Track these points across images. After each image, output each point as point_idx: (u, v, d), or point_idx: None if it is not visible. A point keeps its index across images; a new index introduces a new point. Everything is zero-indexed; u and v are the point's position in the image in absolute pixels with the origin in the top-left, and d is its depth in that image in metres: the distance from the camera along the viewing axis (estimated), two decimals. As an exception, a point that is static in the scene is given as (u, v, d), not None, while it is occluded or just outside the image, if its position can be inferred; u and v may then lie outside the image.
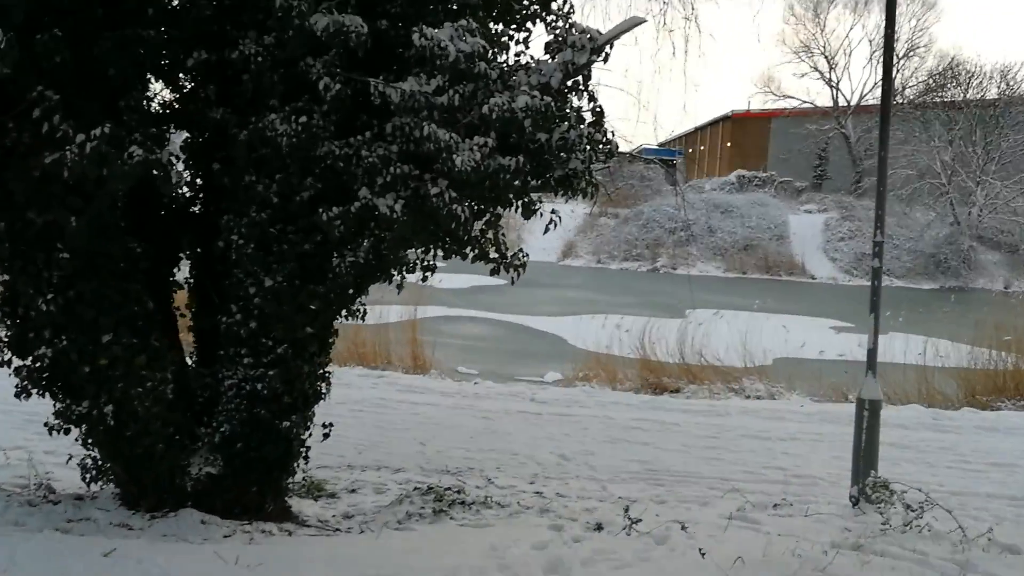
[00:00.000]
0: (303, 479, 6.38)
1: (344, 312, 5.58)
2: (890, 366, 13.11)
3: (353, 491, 6.61)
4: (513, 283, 5.94)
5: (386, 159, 4.80)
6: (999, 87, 34.35)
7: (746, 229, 34.56)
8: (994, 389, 13.24)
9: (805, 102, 46.50)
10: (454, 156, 4.56)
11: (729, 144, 49.61)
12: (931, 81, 37.57)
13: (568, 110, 5.23)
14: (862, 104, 44.60)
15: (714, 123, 53.93)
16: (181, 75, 5.42)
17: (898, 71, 42.55)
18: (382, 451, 7.70)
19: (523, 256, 5.82)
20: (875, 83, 54.12)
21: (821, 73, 47.17)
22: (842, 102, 45.77)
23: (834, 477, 7.63)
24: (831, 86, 46.93)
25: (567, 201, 5.72)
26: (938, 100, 35.27)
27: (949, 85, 35.15)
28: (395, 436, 8.19)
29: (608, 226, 35.32)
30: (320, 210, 4.87)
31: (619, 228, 34.88)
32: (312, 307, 5.23)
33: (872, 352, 6.49)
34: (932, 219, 33.95)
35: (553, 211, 5.61)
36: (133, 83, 4.82)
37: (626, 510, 5.18)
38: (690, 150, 57.74)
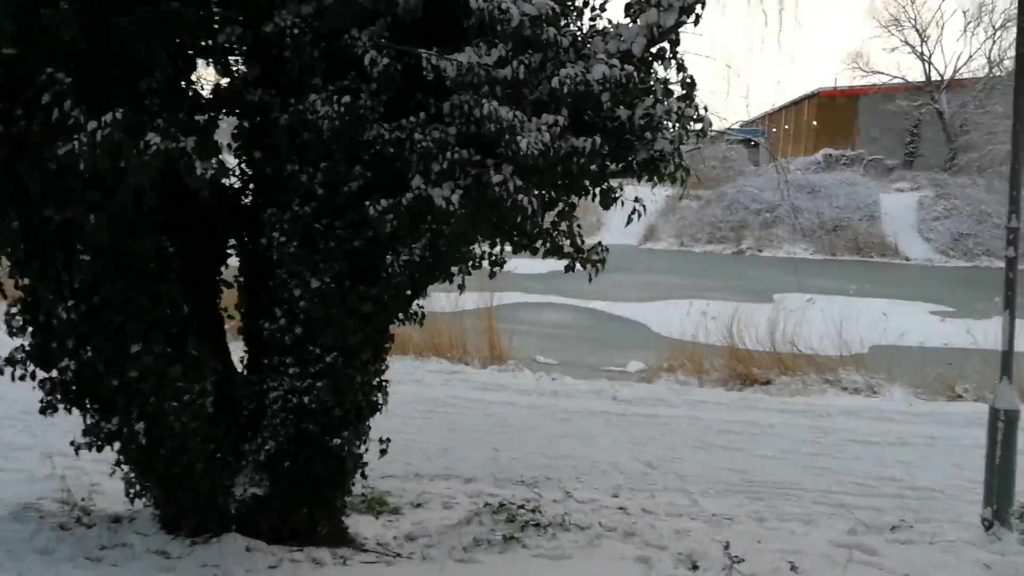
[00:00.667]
0: (363, 493, 5.77)
1: (400, 316, 4.92)
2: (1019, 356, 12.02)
3: (419, 505, 5.97)
4: (591, 280, 5.17)
5: (442, 143, 4.10)
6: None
7: (834, 209, 32.97)
8: None
9: (895, 77, 44.25)
10: (518, 138, 3.83)
11: (815, 123, 47.70)
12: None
13: (653, 82, 4.43)
14: (956, 78, 42.27)
15: (799, 102, 51.95)
16: (218, 55, 4.78)
17: (994, 42, 40.22)
18: (452, 457, 7.05)
19: (602, 250, 5.05)
20: (970, 56, 51.34)
21: (912, 47, 44.81)
22: (935, 76, 43.44)
23: (954, 490, 6.72)
24: (923, 60, 44.58)
25: (653, 187, 4.89)
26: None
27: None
28: (467, 440, 7.53)
29: (691, 208, 34.09)
30: (368, 203, 4.20)
31: (702, 210, 33.64)
32: (364, 311, 4.57)
33: (1007, 356, 5.57)
34: (1034, 196, 31.89)
35: (637, 199, 4.82)
36: (156, 63, 4.19)
37: (726, 547, 4.40)
38: (774, 129, 55.86)
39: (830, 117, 46.13)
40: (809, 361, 12.56)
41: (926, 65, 44.49)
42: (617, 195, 4.69)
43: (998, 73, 37.94)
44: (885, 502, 6.42)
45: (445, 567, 4.55)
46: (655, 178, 4.48)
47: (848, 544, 5.12)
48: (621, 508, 6.07)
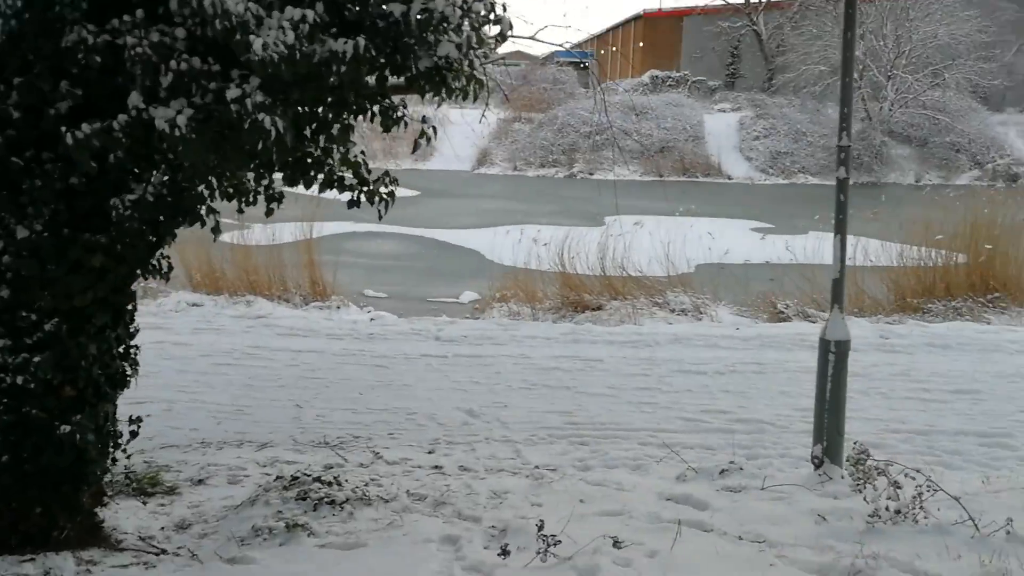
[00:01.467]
0: (129, 472, 4.81)
1: (140, 271, 3.94)
2: (819, 268, 12.02)
3: (200, 482, 5.06)
4: (380, 218, 4.32)
5: (164, 49, 3.13)
6: (909, -22, 33.02)
7: (662, 131, 33.09)
8: (923, 291, 12.22)
9: (717, -1, 44.58)
10: (251, 38, 2.90)
11: (642, 44, 47.70)
12: (842, -26, 35.90)
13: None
14: (773, 0, 42.94)
15: (626, 23, 51.84)
16: None
17: (808, -35, 40.87)
18: (248, 419, 6.13)
19: (390, 182, 4.18)
20: (785, -22, 52.38)
21: (732, -31, 45.21)
22: (753, -1, 43.98)
23: (783, 420, 6.35)
24: (742, -18, 45.07)
25: (438, 105, 3.99)
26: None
27: (860, -22, 33.59)
28: (267, 397, 6.60)
29: (523, 132, 33.46)
30: (65, 128, 3.19)
31: (534, 134, 33.06)
32: (92, 264, 3.59)
33: (838, 284, 5.09)
34: (844, 115, 32.82)
35: (424, 119, 3.96)
36: None
37: (539, 527, 3.73)
38: (602, 51, 55.69)
39: (656, 38, 46.20)
40: (638, 284, 12.21)
41: (745, -13, 45.00)
42: (400, 115, 3.81)
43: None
44: (715, 439, 5.97)
45: (209, 569, 3.70)
46: (443, 93, 3.60)
47: (677, 497, 4.57)
48: (436, 467, 5.35)
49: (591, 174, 30.95)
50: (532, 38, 7.24)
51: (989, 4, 33.77)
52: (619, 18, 51.81)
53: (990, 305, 11.63)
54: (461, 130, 33.86)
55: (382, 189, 4.13)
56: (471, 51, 3.43)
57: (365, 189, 4.07)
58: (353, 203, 4.15)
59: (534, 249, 13.25)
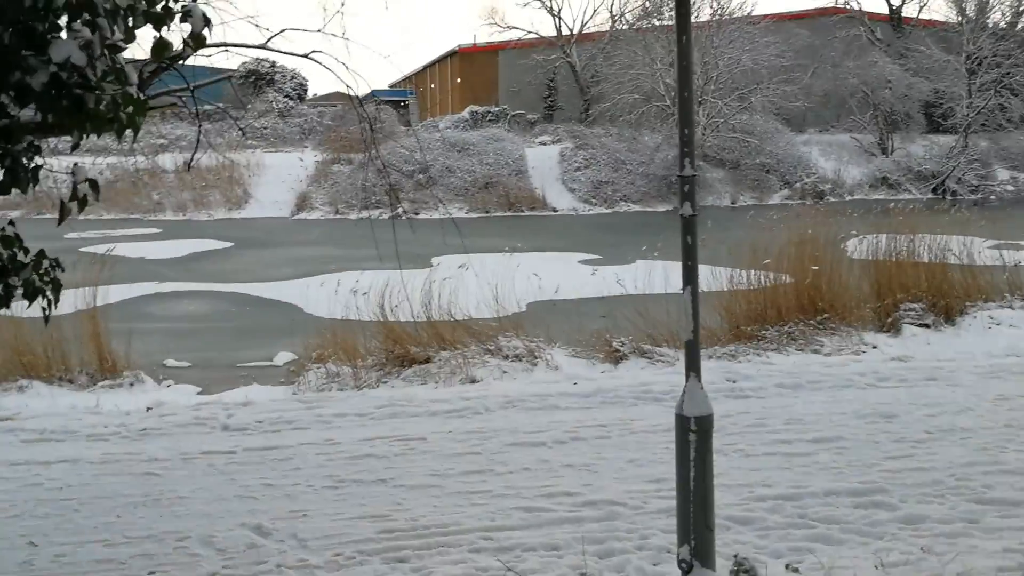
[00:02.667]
0: None
1: None
2: (650, 299, 11.39)
3: None
4: (46, 322, 3.01)
5: None
6: (712, 7, 33.87)
7: (485, 167, 32.44)
8: (756, 316, 11.75)
9: (530, 32, 44.67)
10: None
11: (459, 80, 47.23)
12: (648, 4, 36.56)
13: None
14: (584, 32, 43.40)
15: (442, 59, 51.34)
16: None
17: (614, -2, 41.63)
18: (-42, 572, 4.62)
19: (52, 268, 2.89)
20: (594, 10, 53.74)
21: (543, 2, 45.54)
22: (565, 31, 44.32)
23: (636, 498, 5.37)
24: (553, 15, 45.40)
25: (78, 143, 2.74)
26: (657, 24, 34.34)
27: (665, 8, 34.22)
28: None
29: (343, 173, 32.04)
30: None
31: (355, 175, 31.66)
32: None
33: (693, 346, 4.12)
34: (660, 142, 33.23)
35: (76, 170, 2.70)
36: None
37: None
38: (421, 89, 55.00)
39: (473, 73, 45.83)
40: (468, 331, 11.16)
41: (557, 20, 45.43)
42: (38, 165, 2.53)
43: (621, 26, 39.32)
44: (561, 533, 4.91)
45: None
46: (85, 127, 2.35)
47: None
48: (206, 622, 4.03)
49: (416, 214, 29.88)
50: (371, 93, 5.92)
51: (785, 30, 35.14)
52: (435, 55, 51.23)
53: (820, 327, 11.28)
54: (277, 174, 32.18)
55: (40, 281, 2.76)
56: (107, 57, 2.19)
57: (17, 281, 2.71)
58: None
59: (353, 299, 12.01)
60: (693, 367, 4.02)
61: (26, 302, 3.13)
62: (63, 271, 3.06)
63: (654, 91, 33.15)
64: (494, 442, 6.35)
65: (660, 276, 11.91)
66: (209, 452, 6.23)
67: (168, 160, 33.04)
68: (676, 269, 11.83)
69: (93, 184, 2.82)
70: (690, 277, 3.99)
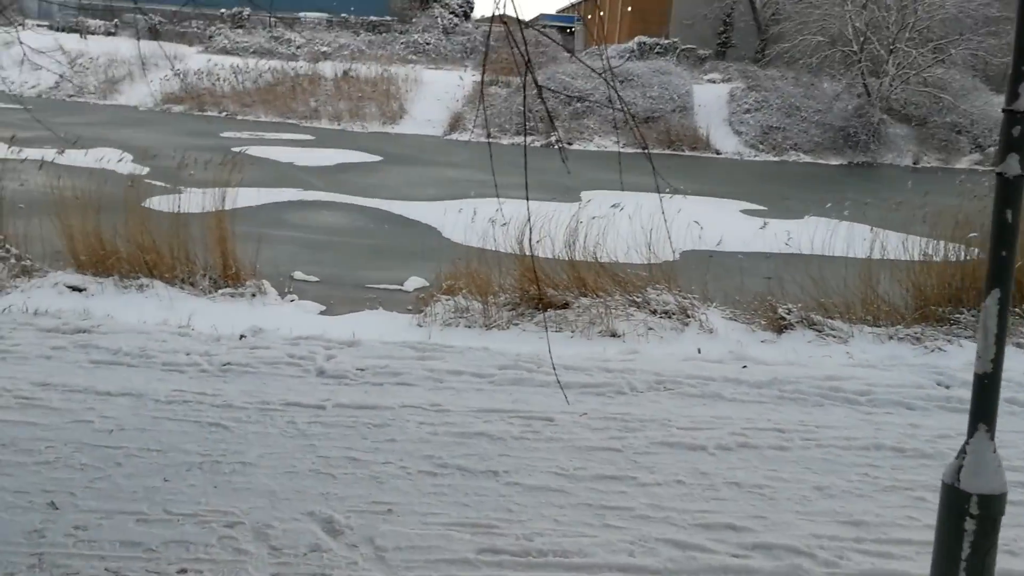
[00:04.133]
0: None
1: None
2: (824, 262, 9.70)
3: None
4: None
5: None
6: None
7: (648, 100, 30.43)
8: (949, 298, 9.82)
9: (710, -36, 41.62)
10: None
11: (630, 9, 44.82)
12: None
13: None
14: (769, -34, 40.10)
15: (615, -13, 48.85)
16: None
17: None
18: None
19: None
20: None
21: (726, -70, 42.28)
22: (748, -35, 41.03)
23: (828, 549, 3.90)
24: (736, -53, 42.14)
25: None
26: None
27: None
28: (9, 486, 4.06)
29: (499, 96, 30.70)
30: None
31: (511, 98, 30.29)
32: None
33: (990, 382, 2.59)
34: (840, 90, 30.29)
35: None
36: None
37: None
38: (589, 16, 52.73)
39: (645, 4, 43.31)
40: (613, 278, 9.77)
41: (739, -48, 42.07)
42: None
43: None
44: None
45: None
46: None
47: None
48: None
49: (570, 144, 28.37)
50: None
51: (998, -25, 31.17)
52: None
53: (1025, 316, 9.33)
54: (433, 91, 31.19)
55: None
56: None
57: None
58: None
59: (491, 228, 10.81)
60: (985, 415, 2.52)
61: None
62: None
63: (840, 34, 30.12)
64: (639, 437, 4.96)
65: (837, 237, 10.21)
66: (294, 404, 5.12)
67: (328, 68, 32.56)
68: (859, 231, 10.00)
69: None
70: (1001, 273, 2.44)
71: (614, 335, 8.93)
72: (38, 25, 45.13)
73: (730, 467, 4.66)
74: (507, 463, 4.55)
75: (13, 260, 9.82)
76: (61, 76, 32.22)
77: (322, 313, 9.78)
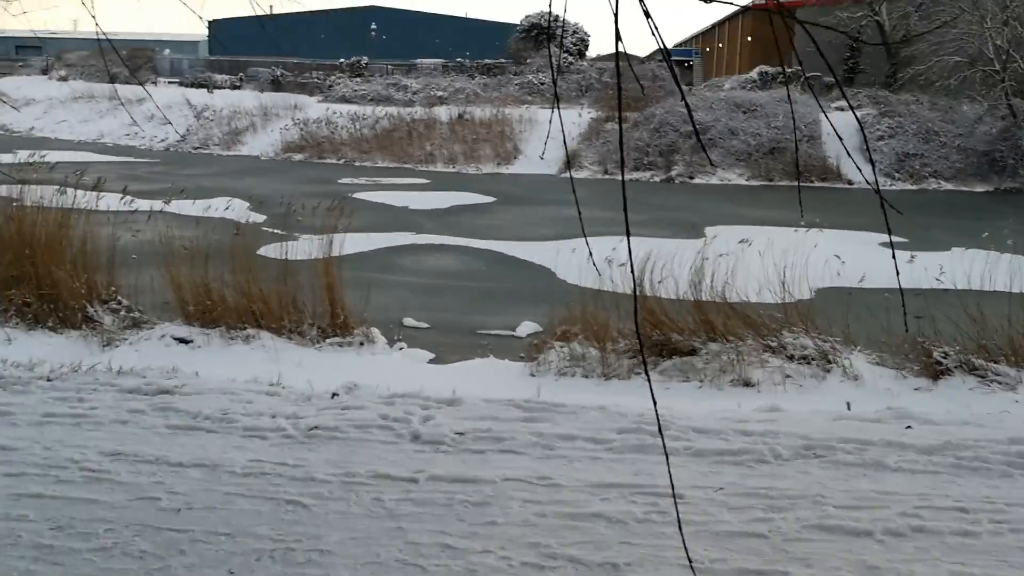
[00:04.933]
0: None
1: None
2: (983, 298, 8.61)
3: None
4: None
5: None
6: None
7: (772, 130, 29.23)
8: None
9: (833, -12, 40.15)
10: None
11: (750, 38, 43.67)
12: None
13: None
14: (897, -13, 38.34)
15: (733, 17, 47.82)
16: None
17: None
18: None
19: None
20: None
21: (850, -44, 40.71)
22: (874, -13, 39.35)
23: None
24: (862, -31, 40.49)
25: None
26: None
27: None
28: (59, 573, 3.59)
29: (616, 132, 30.08)
30: None
31: (628, 134, 29.62)
32: None
33: None
34: (983, 112, 28.35)
35: None
36: None
37: None
38: (707, 48, 51.77)
39: (766, 32, 42.10)
40: (745, 320, 8.91)
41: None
42: None
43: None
44: None
45: None
46: None
47: None
48: None
49: (691, 178, 27.42)
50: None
51: None
52: (726, 12, 47.84)
53: None
54: (547, 130, 30.83)
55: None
56: None
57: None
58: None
59: (614, 264, 10.12)
60: None
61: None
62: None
63: (980, 54, 28.27)
64: (788, 519, 4.11)
65: (998, 270, 9.09)
66: (383, 476, 4.50)
67: (443, 112, 32.73)
68: (1021, 264, 8.80)
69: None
70: None
71: (748, 384, 8.10)
72: (169, 82, 47.41)
73: (905, 559, 3.77)
74: (629, 553, 3.80)
75: (124, 312, 9.75)
76: (185, 132, 33.37)
77: (431, 362, 9.32)
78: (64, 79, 47.26)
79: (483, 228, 17.56)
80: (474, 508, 4.20)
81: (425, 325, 10.61)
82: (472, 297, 12.22)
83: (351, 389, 5.95)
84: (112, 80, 41.99)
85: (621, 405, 5.71)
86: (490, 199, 21.81)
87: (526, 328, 10.48)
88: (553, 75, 33.58)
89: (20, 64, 57.88)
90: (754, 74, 36.71)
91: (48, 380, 5.99)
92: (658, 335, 8.99)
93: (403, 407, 5.45)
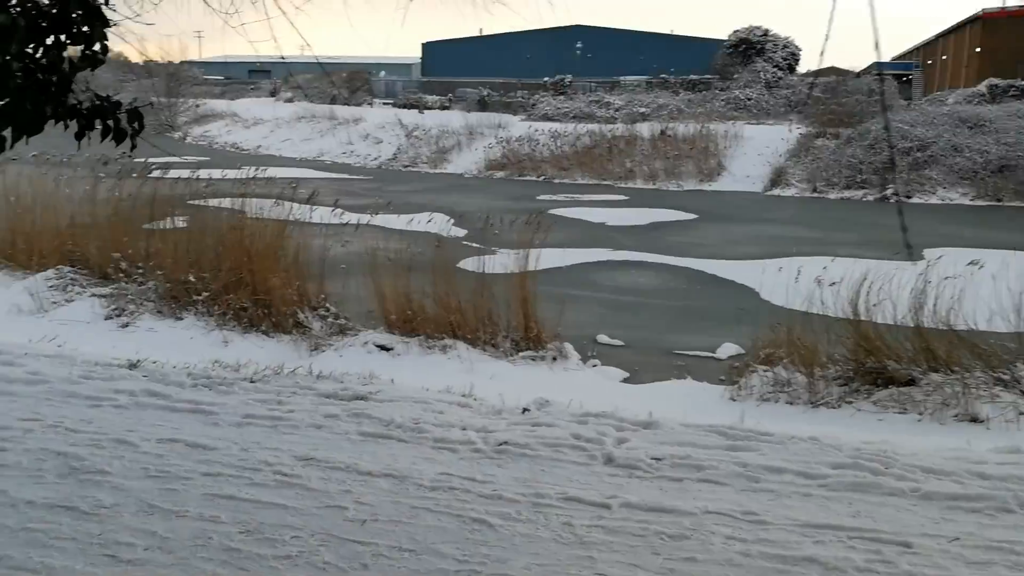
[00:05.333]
0: None
1: None
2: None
3: None
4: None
5: None
6: None
7: (1002, 147, 26.80)
8: None
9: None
10: None
11: (979, 49, 40.47)
12: None
13: None
14: None
15: (959, 27, 44.54)
16: None
17: None
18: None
19: None
20: None
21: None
22: None
23: None
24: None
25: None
26: None
27: None
28: None
29: (827, 148, 28.54)
30: None
31: (840, 150, 27.98)
32: None
33: None
34: None
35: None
36: None
37: None
38: (929, 61, 48.53)
39: (997, 42, 38.92)
40: (973, 349, 8.03)
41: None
42: None
43: None
44: None
45: None
46: None
47: None
48: None
49: (908, 197, 25.58)
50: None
51: None
52: (951, 23, 44.67)
53: None
54: (754, 146, 29.77)
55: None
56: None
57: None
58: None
59: (818, 290, 9.43)
60: None
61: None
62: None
63: None
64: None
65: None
66: (573, 500, 4.23)
67: (645, 128, 32.33)
68: None
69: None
70: None
71: (975, 420, 7.28)
72: (383, 103, 49.70)
73: None
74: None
75: (332, 319, 10.07)
76: (396, 151, 34.71)
77: (625, 380, 9.04)
78: (290, 100, 50.60)
79: (683, 245, 17.04)
80: (671, 541, 3.86)
81: (620, 343, 10.33)
82: (670, 315, 11.81)
83: (542, 405, 5.75)
84: (332, 101, 44.63)
85: (834, 436, 5.18)
86: (691, 216, 21.22)
87: (727, 350, 10.00)
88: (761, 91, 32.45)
89: (251, 87, 62.73)
90: (983, 87, 33.97)
91: (251, 382, 6.17)
92: (872, 362, 8.30)
93: (596, 427, 5.18)
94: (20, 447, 4.61)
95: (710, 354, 9.96)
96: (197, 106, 51.94)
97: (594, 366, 9.46)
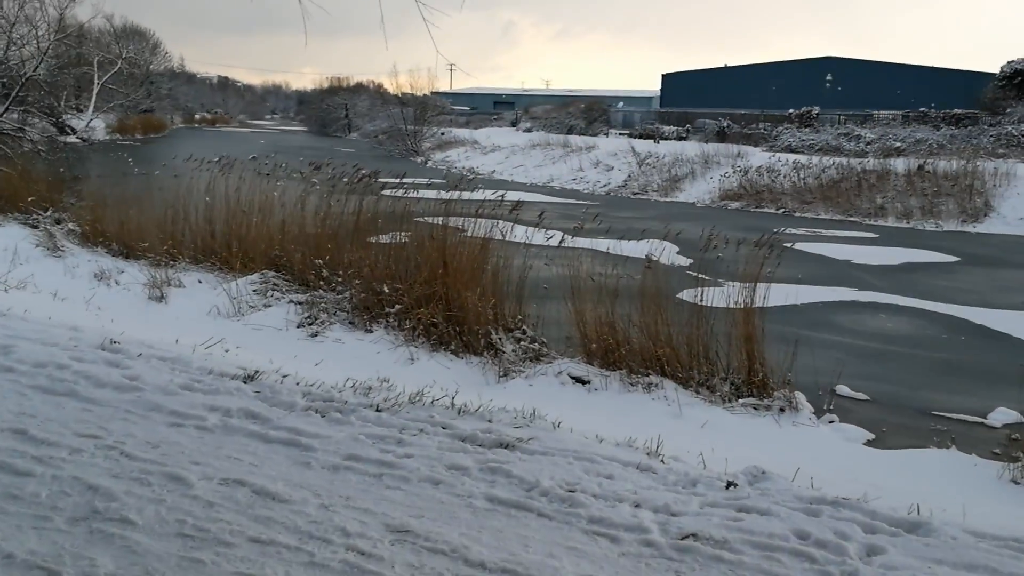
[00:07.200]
0: None
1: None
2: None
3: None
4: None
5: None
6: None
7: None
8: None
9: None
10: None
11: None
12: None
13: None
14: None
15: None
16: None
17: None
18: None
19: None
20: None
21: None
22: None
23: None
24: None
25: None
26: None
27: None
28: None
29: None
30: None
31: None
32: None
33: None
34: None
35: None
36: None
37: None
38: None
39: None
40: None
41: None
42: None
43: None
44: None
45: None
46: None
47: None
48: None
49: None
50: None
51: None
52: None
53: None
54: (1028, 185, 25.99)
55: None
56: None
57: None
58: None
59: None
60: None
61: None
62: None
63: None
64: None
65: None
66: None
67: (900, 163, 29.19)
68: None
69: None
70: None
71: None
72: (620, 133, 48.87)
73: None
74: None
75: (527, 342, 9.00)
76: (626, 178, 33.55)
77: (868, 443, 7.28)
78: (528, 130, 51.06)
79: (943, 290, 14.59)
80: None
81: (864, 396, 8.56)
82: (927, 369, 9.76)
83: (757, 478, 4.16)
84: (568, 132, 44.39)
85: None
86: (952, 258, 18.45)
87: (1001, 416, 8.06)
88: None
89: (494, 117, 64.44)
90: None
91: (377, 410, 5.00)
92: None
93: (833, 523, 3.52)
94: (50, 473, 3.69)
95: (979, 419, 8.08)
96: (442, 133, 53.73)
97: (831, 422, 7.79)
